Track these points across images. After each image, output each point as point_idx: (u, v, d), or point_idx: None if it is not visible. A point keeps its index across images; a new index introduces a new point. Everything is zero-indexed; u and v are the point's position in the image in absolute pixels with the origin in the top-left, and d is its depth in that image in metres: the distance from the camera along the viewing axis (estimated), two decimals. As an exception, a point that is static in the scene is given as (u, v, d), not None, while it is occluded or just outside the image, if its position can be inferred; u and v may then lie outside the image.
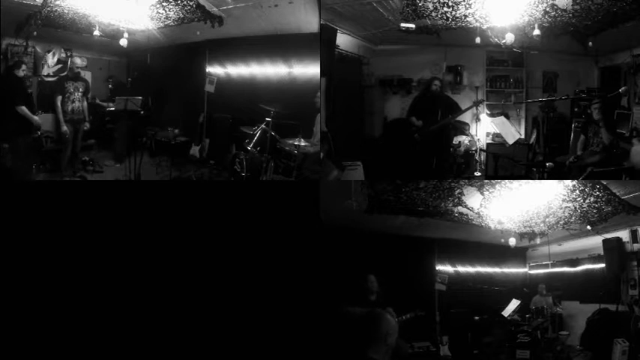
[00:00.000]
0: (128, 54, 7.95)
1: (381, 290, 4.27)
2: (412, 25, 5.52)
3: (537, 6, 4.66)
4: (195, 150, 6.78)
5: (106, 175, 6.27)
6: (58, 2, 5.21)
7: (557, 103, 6.40)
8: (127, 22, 5.90)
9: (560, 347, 5.36)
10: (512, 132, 5.88)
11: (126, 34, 6.07)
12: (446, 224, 5.46)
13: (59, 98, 5.83)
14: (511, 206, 4.71)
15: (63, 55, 6.75)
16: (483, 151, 6.87)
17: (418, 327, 5.08)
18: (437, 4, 4.91)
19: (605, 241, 5.43)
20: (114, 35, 6.28)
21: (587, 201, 4.39)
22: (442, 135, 6.32)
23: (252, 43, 6.49)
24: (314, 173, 5.15)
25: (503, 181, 4.28)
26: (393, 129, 7.20)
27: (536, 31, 5.07)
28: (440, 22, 5.47)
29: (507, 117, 6.62)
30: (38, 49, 6.25)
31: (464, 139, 6.51)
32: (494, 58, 7.25)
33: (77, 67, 6.16)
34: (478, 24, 5.36)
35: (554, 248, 6.37)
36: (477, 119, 7.11)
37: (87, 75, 6.79)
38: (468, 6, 4.85)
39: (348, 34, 6.08)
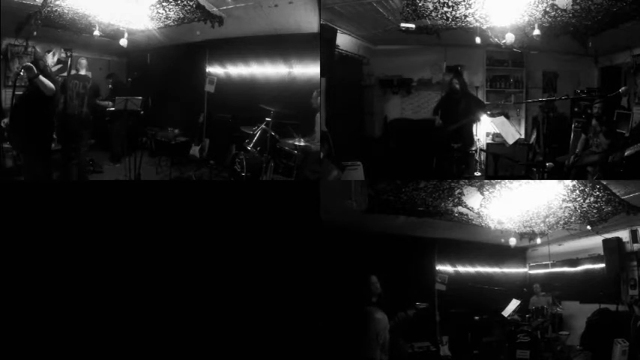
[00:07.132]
0: (128, 54, 7.94)
1: (383, 291, 4.25)
2: (412, 25, 5.52)
3: (537, 6, 4.66)
4: (195, 150, 6.76)
5: (106, 175, 6.26)
6: (58, 2, 5.21)
7: (557, 103, 6.40)
8: (127, 22, 5.90)
9: (560, 347, 5.37)
10: (512, 132, 5.88)
11: (126, 34, 6.07)
12: (446, 224, 5.45)
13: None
14: (511, 206, 4.71)
15: (63, 55, 6.73)
16: (483, 151, 6.86)
17: (418, 327, 5.08)
18: (437, 4, 4.91)
19: (605, 241, 5.43)
20: (114, 35, 6.27)
21: (587, 201, 4.39)
22: (461, 133, 6.14)
23: (252, 43, 6.49)
24: (314, 173, 5.14)
25: (503, 181, 4.28)
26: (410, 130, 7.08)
27: (536, 31, 5.08)
28: (440, 22, 5.47)
29: (507, 117, 6.59)
30: (38, 49, 6.24)
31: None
32: (494, 58, 7.25)
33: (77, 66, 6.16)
34: (478, 24, 5.37)
35: (554, 248, 6.36)
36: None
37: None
38: (468, 6, 4.85)
39: (348, 34, 6.08)
